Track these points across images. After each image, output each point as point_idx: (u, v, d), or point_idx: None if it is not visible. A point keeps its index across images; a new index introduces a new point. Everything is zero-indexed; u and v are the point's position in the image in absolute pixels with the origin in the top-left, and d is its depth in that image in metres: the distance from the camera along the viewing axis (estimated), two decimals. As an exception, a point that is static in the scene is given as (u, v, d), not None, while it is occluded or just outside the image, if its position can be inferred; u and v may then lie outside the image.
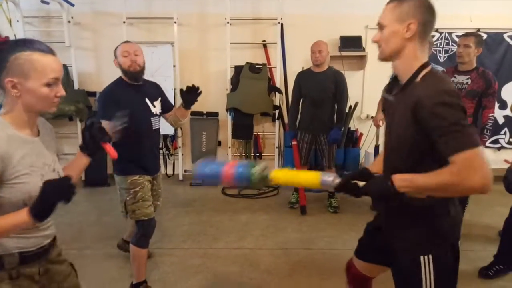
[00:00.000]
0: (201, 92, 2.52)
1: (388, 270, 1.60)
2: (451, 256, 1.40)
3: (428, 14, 1.29)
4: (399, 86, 1.39)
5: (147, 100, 2.43)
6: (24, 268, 1.27)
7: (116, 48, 2.42)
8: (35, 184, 1.18)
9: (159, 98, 2.53)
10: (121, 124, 1.74)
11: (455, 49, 3.14)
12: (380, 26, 1.35)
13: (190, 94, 2.51)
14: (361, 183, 1.27)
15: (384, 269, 1.67)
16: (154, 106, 2.47)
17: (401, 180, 1.21)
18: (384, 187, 1.23)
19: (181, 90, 2.52)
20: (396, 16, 1.30)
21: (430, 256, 1.37)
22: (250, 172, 1.43)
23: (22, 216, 1.12)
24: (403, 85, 1.35)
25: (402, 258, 1.45)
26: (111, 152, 1.46)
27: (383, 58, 1.38)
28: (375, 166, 1.58)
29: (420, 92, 1.25)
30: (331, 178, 1.34)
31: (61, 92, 1.24)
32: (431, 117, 1.19)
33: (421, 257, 1.38)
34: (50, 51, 1.22)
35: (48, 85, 1.20)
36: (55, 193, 1.14)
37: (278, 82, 4.74)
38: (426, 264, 1.38)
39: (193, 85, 2.50)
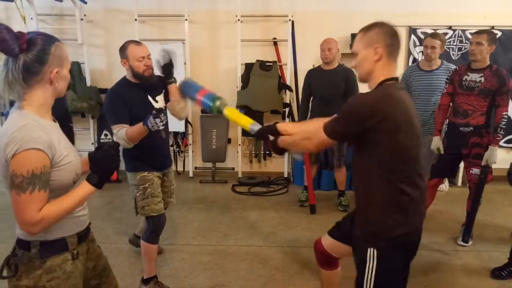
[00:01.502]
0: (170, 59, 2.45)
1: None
2: (398, 256, 1.53)
3: (391, 38, 1.54)
4: None
5: (149, 97, 2.42)
6: (79, 248, 1.37)
7: (123, 48, 2.34)
8: (75, 162, 1.30)
9: (163, 92, 2.51)
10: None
11: (468, 47, 3.09)
12: (354, 54, 1.60)
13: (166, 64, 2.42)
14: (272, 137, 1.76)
15: (348, 252, 1.76)
16: (157, 102, 2.44)
17: (280, 140, 1.72)
18: (272, 144, 1.75)
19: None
20: (364, 43, 1.56)
21: (375, 250, 1.51)
22: (211, 104, 1.92)
23: (84, 188, 1.28)
24: None
25: (357, 246, 1.63)
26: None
27: (361, 79, 1.63)
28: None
29: None
30: (256, 128, 1.80)
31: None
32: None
33: (368, 249, 1.52)
34: None
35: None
36: (104, 160, 1.30)
37: (289, 79, 4.73)
38: (371, 257, 1.51)
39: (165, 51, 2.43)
